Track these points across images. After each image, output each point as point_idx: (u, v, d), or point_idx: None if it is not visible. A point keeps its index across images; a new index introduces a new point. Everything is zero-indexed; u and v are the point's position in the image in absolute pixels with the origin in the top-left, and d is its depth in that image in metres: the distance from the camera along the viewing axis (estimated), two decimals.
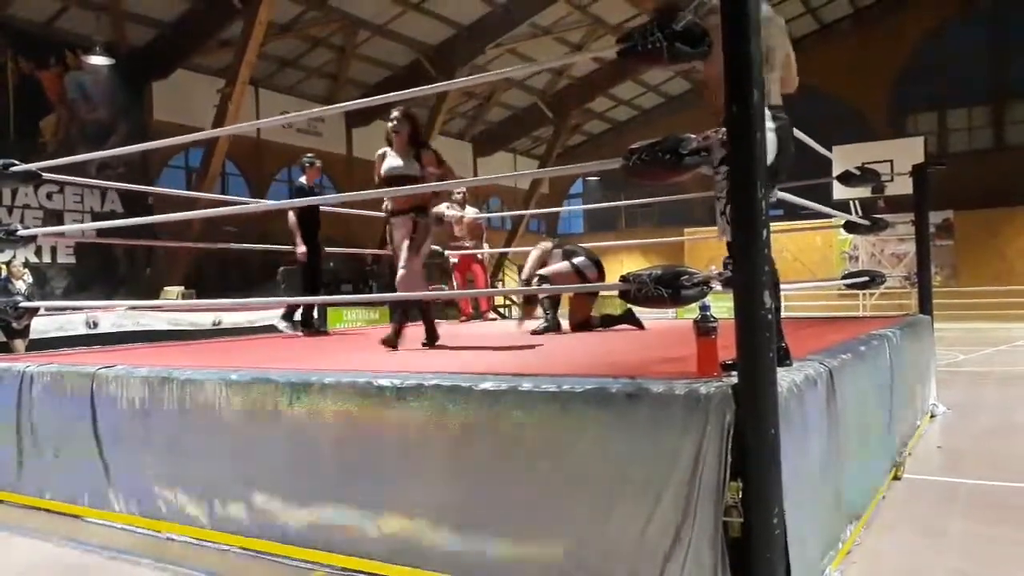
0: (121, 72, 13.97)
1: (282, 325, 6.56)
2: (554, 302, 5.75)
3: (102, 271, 13.86)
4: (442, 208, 7.87)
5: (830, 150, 6.36)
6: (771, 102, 2.85)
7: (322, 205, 6.99)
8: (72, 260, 13.46)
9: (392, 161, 4.67)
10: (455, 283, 8.25)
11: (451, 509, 2.60)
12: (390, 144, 4.73)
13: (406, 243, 4.60)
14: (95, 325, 10.18)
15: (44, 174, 4.67)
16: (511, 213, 22.04)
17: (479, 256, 8.28)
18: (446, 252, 8.04)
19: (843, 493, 2.89)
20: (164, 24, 14.37)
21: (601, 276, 5.72)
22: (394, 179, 4.58)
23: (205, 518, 3.15)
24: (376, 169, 4.78)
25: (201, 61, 15.36)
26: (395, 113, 4.71)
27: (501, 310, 19.45)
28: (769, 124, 2.78)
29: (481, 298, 8.63)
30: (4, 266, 9.87)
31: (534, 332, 5.57)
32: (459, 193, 8.11)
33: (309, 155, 6.69)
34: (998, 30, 19.89)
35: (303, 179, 6.55)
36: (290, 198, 6.31)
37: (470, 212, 8.18)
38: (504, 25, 17.10)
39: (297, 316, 6.53)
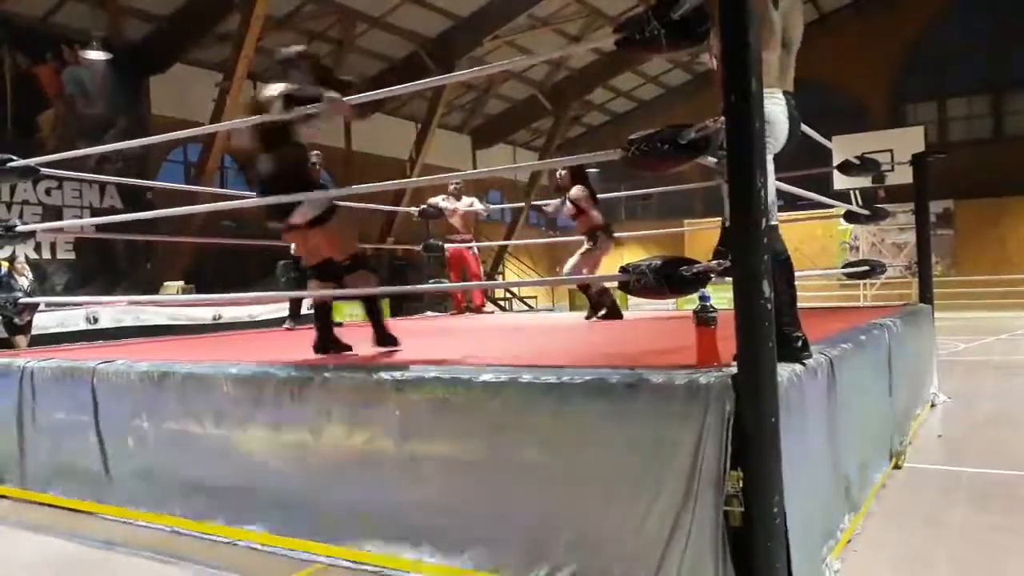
0: (119, 67, 13.90)
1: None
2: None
3: (102, 266, 13.82)
4: (436, 200, 7.85)
5: (830, 140, 6.34)
6: (786, 88, 2.84)
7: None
8: (72, 256, 13.42)
9: None
10: (450, 276, 8.23)
11: (450, 500, 2.60)
12: None
13: None
14: (95, 320, 10.16)
15: (42, 169, 4.65)
16: (510, 205, 21.98)
17: (473, 248, 8.22)
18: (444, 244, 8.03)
19: (843, 482, 2.89)
20: (161, 18, 14.31)
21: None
22: None
23: (208, 512, 3.15)
24: None
25: (199, 55, 15.29)
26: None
27: (501, 303, 19.47)
28: (782, 108, 2.76)
29: (476, 292, 8.61)
30: (7, 263, 9.83)
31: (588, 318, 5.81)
32: (454, 184, 8.07)
33: None
34: (998, 19, 19.79)
35: None
36: None
37: (465, 203, 8.10)
38: (502, 17, 17.00)
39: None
